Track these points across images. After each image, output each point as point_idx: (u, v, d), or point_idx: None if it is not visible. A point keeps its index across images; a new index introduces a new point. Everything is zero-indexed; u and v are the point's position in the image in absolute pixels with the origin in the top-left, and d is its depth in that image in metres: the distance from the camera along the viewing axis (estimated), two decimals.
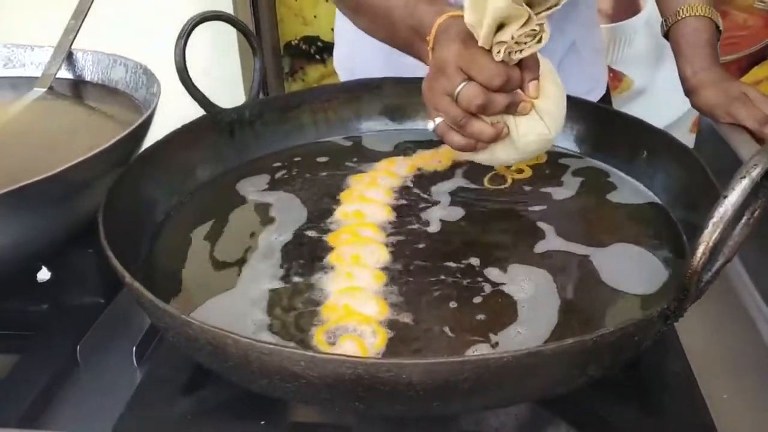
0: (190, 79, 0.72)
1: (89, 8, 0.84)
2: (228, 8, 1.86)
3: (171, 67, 0.70)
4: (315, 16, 2.01)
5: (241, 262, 0.61)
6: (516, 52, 0.56)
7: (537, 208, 0.69)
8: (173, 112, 0.76)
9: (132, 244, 0.62)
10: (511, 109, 0.60)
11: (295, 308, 0.55)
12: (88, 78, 0.85)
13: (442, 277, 0.59)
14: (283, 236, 0.65)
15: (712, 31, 0.89)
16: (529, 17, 0.53)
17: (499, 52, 0.55)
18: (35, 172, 0.54)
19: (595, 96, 1.02)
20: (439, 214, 0.68)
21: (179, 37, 0.70)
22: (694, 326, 0.58)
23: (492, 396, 0.45)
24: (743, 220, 0.44)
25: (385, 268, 0.60)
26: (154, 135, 0.70)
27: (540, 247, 0.63)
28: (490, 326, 0.53)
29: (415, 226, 0.66)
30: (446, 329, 0.53)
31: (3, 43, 0.86)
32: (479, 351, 0.51)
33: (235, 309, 0.56)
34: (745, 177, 0.41)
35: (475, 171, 0.74)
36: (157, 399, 0.53)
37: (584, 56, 0.99)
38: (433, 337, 0.52)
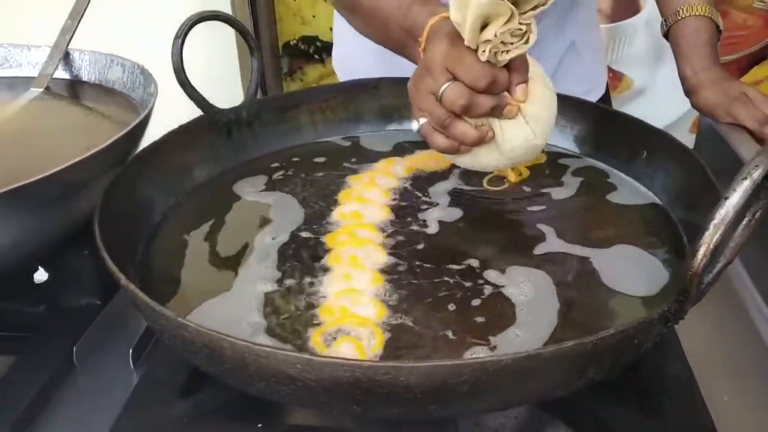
0: (188, 79, 0.71)
1: (86, 8, 0.84)
2: (226, 8, 1.86)
3: (169, 67, 0.70)
4: (314, 16, 2.00)
5: (238, 263, 0.61)
6: (503, 52, 0.55)
7: (536, 208, 0.69)
8: (170, 113, 0.76)
9: (128, 245, 0.61)
10: (496, 112, 0.59)
11: (292, 310, 0.55)
12: (85, 78, 0.85)
13: (441, 278, 0.58)
14: (281, 237, 0.64)
15: (713, 31, 0.89)
16: (512, 14, 0.53)
17: (484, 52, 0.54)
18: (32, 172, 0.54)
19: (594, 96, 1.01)
20: (438, 215, 0.68)
21: (176, 37, 0.70)
22: (695, 328, 0.57)
23: (490, 399, 0.45)
24: (744, 222, 0.44)
25: (383, 270, 0.59)
26: (151, 135, 0.70)
27: (539, 249, 0.62)
28: (489, 329, 0.53)
29: (414, 227, 0.66)
30: (445, 332, 0.53)
31: (0, 42, 0.86)
32: (478, 354, 0.50)
33: (232, 311, 0.55)
34: (746, 178, 0.40)
35: (474, 171, 0.74)
36: (154, 401, 0.53)
37: (584, 56, 0.99)
38: (432, 339, 0.52)
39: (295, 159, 0.79)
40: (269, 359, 0.42)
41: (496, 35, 0.53)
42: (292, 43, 2.06)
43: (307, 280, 0.58)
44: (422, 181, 0.74)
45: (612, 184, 0.74)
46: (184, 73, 0.71)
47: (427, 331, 0.53)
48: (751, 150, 0.77)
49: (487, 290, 0.57)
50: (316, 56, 2.06)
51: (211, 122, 0.76)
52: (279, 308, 0.55)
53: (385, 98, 0.85)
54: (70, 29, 0.84)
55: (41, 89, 0.82)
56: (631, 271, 0.59)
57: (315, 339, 0.52)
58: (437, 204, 0.70)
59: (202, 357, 0.46)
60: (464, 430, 0.52)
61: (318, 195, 0.72)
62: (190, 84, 0.72)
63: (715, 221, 0.41)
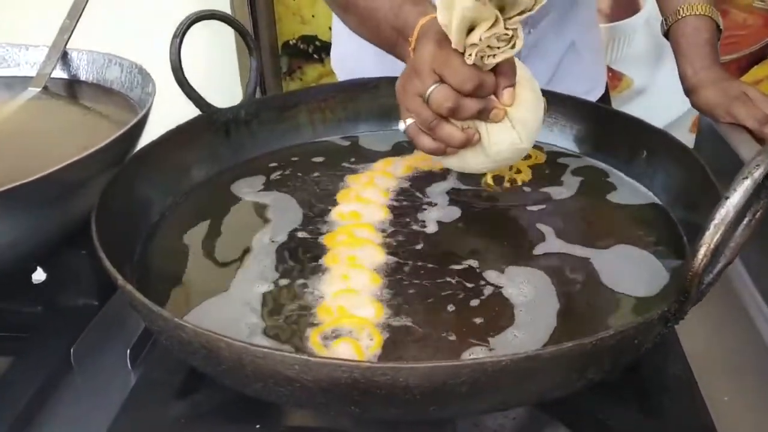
0: (186, 78, 0.71)
1: (84, 8, 0.84)
2: (225, 7, 1.85)
3: (167, 66, 0.70)
4: (313, 15, 2.00)
5: (235, 263, 0.61)
6: (489, 56, 0.55)
7: (536, 208, 0.69)
8: (168, 112, 0.76)
9: (126, 245, 0.61)
10: (483, 115, 0.59)
11: (290, 310, 0.55)
12: (83, 78, 0.84)
13: (440, 279, 0.58)
14: (279, 237, 0.64)
15: (713, 30, 0.88)
16: (497, 19, 0.53)
17: (470, 55, 0.54)
18: (29, 171, 0.54)
19: (594, 96, 1.01)
20: (437, 215, 0.68)
21: (174, 36, 0.70)
22: (695, 328, 0.57)
23: (489, 400, 0.45)
24: (745, 222, 0.44)
25: (381, 270, 0.59)
26: (149, 135, 0.69)
27: (539, 249, 0.62)
28: (488, 329, 0.52)
29: (413, 227, 0.66)
30: (444, 332, 0.52)
31: None
32: (476, 355, 0.50)
33: (230, 311, 0.55)
34: (747, 178, 0.40)
35: None
36: (151, 402, 0.53)
37: (583, 56, 0.99)
38: (431, 340, 0.52)
39: (293, 159, 0.79)
40: (267, 360, 0.42)
41: (481, 39, 0.53)
42: (291, 42, 2.05)
43: (306, 280, 0.58)
44: (421, 181, 0.74)
45: (612, 183, 0.73)
46: (182, 72, 0.71)
47: (425, 332, 0.52)
48: (751, 150, 0.77)
49: (487, 291, 0.57)
50: (315, 56, 2.06)
51: (210, 122, 0.76)
52: (277, 309, 0.55)
53: (384, 98, 0.85)
54: (68, 29, 0.83)
55: (39, 89, 0.82)
56: (631, 272, 0.59)
57: (313, 339, 0.52)
58: (436, 204, 0.70)
59: (199, 358, 0.46)
60: (463, 430, 0.51)
61: (316, 195, 0.71)
62: (188, 83, 0.72)
63: (716, 221, 0.41)
